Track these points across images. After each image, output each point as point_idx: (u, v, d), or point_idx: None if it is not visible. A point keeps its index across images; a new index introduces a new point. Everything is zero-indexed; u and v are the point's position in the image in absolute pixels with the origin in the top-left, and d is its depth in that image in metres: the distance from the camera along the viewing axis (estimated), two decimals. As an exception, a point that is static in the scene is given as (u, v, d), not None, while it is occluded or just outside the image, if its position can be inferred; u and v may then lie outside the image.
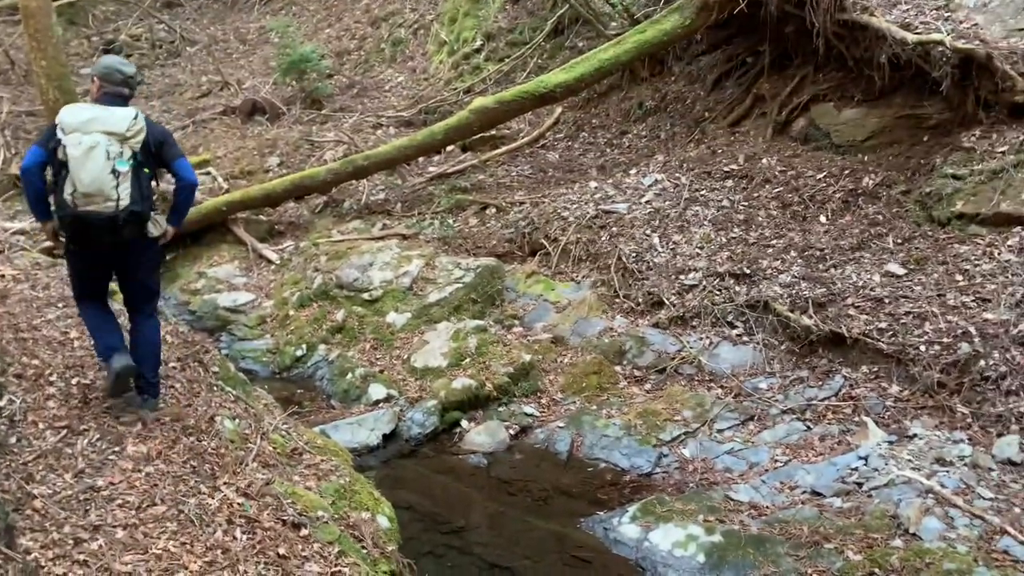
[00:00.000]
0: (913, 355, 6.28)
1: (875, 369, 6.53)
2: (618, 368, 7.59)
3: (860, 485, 5.38)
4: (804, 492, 5.54)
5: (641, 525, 5.33)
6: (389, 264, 8.94)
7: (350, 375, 7.67)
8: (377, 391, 7.33)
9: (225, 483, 4.42)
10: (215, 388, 5.66)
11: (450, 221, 10.03)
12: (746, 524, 5.15)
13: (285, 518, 4.32)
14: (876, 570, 4.52)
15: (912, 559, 4.49)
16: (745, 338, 7.32)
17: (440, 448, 6.83)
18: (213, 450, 4.70)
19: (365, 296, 8.68)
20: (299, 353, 8.29)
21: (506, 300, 8.74)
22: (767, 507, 5.36)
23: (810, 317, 6.93)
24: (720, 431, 6.50)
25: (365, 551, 4.58)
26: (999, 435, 5.48)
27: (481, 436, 6.78)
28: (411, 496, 6.10)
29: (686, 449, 6.38)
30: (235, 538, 3.98)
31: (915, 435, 5.76)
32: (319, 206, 11.03)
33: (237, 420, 5.22)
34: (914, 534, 4.71)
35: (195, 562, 3.70)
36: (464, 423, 7.05)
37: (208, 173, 11.76)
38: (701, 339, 7.48)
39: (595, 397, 7.25)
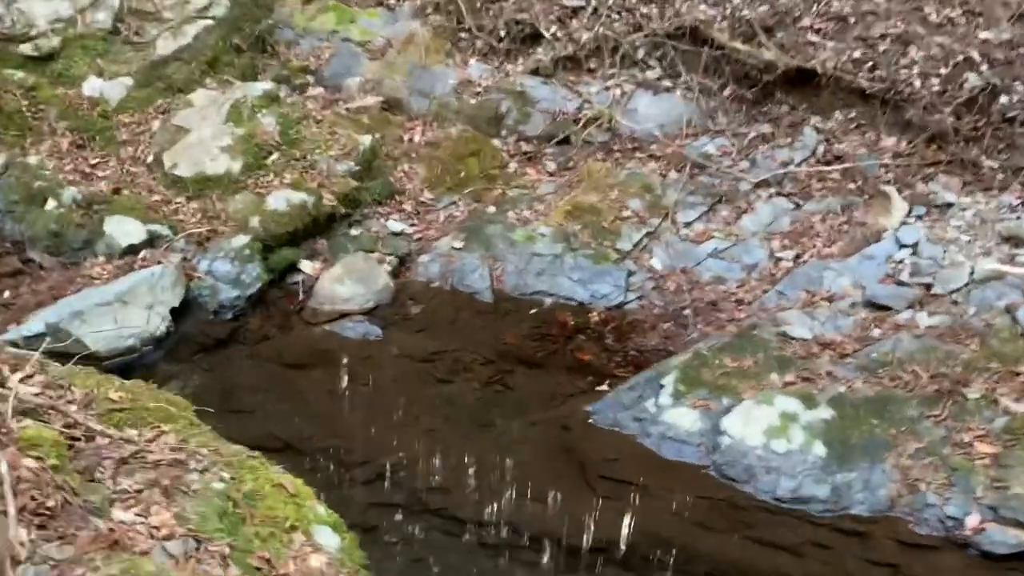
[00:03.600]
0: (908, 94, 4.82)
1: (852, 116, 4.98)
2: (497, 142, 5.18)
3: (929, 288, 4.00)
4: (854, 304, 4.04)
5: (697, 406, 3.45)
6: (55, -12, 5.04)
7: (52, 202, 4.26)
8: (124, 228, 4.13)
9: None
10: None
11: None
12: (846, 380, 3.53)
13: None
14: (1061, 425, 3.26)
15: (1103, 401, 3.29)
16: (668, 83, 5.28)
17: (280, 317, 4.09)
18: None
19: (27, 50, 4.85)
20: (-83, 167, 4.50)
21: (281, 43, 5.54)
22: (842, 342, 3.77)
23: (766, 47, 5.05)
24: (687, 224, 4.65)
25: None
26: (1055, 196, 4.38)
27: (347, 285, 4.13)
28: (271, 423, 3.49)
29: (655, 259, 4.47)
30: None
31: (950, 204, 4.45)
32: None
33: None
34: (1077, 361, 3.49)
35: None
36: (305, 265, 4.29)
37: None
38: (607, 89, 5.28)
39: (485, 192, 4.87)
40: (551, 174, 5.03)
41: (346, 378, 3.72)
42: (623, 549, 3.10)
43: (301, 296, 4.15)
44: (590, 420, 3.52)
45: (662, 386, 3.54)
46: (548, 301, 4.26)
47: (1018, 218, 4.24)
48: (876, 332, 3.82)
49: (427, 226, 4.70)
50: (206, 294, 3.98)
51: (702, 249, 4.48)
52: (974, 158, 4.61)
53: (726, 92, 5.18)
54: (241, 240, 4.12)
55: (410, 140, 5.09)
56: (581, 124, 5.13)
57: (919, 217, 4.43)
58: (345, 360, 3.80)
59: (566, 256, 4.38)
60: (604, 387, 3.68)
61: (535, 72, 5.36)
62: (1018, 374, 3.46)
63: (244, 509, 2.37)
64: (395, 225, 4.60)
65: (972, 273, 3.97)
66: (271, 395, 3.64)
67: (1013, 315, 3.70)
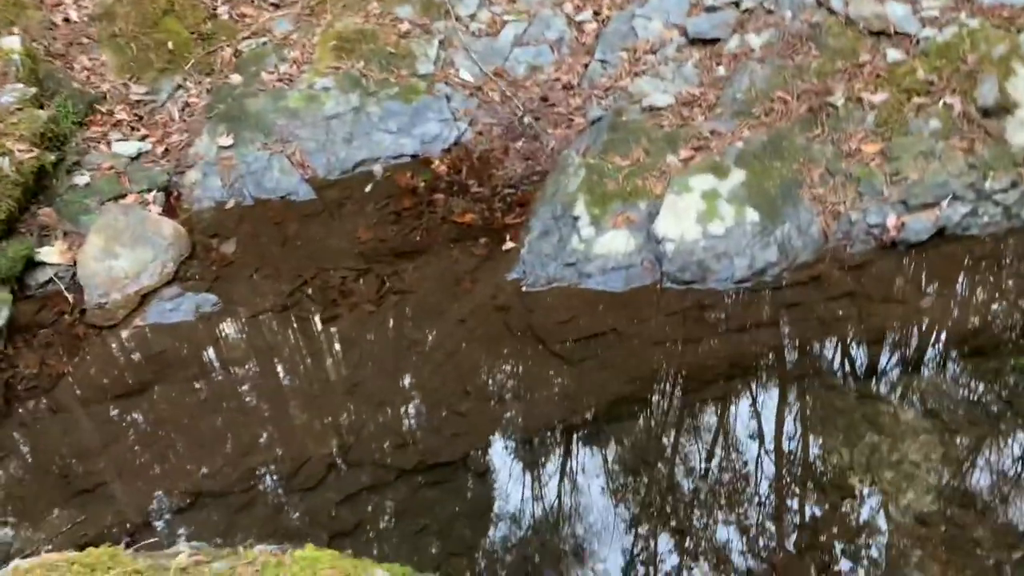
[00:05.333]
0: None
1: None
2: (187, -15, 3.84)
3: (738, 4, 3.81)
4: (680, 47, 3.76)
5: (620, 224, 3.08)
6: None
7: None
8: None
9: None
10: None
11: None
12: (732, 134, 3.32)
13: None
14: (915, 96, 3.37)
15: (942, 66, 3.42)
16: None
17: (60, 337, 2.86)
18: None
19: None
20: None
21: None
22: (702, 93, 3.52)
23: None
24: (472, 16, 3.92)
25: None
26: None
27: (123, 257, 2.96)
28: (159, 480, 2.55)
29: (463, 71, 3.75)
30: None
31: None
32: None
33: None
34: (902, 33, 3.55)
35: None
36: (47, 254, 2.98)
37: None
38: None
39: (212, 59, 3.67)
40: (276, 6, 3.90)
41: (210, 377, 2.77)
42: (624, 406, 2.81)
43: (69, 297, 2.92)
44: (522, 288, 3.03)
45: (576, 218, 3.09)
46: (377, 168, 3.45)
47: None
48: (721, 70, 3.62)
49: (164, 131, 3.47)
50: (-70, 360, 2.64)
51: (503, 41, 3.85)
52: None
53: None
54: (-68, 262, 2.71)
55: (66, 21, 3.58)
56: (281, -71, 3.94)
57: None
58: (193, 354, 2.82)
59: (369, 106, 3.52)
60: (509, 244, 3.15)
61: None
62: (862, 65, 3.51)
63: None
64: (125, 147, 3.33)
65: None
66: (122, 446, 2.62)
67: (827, 6, 3.69)
